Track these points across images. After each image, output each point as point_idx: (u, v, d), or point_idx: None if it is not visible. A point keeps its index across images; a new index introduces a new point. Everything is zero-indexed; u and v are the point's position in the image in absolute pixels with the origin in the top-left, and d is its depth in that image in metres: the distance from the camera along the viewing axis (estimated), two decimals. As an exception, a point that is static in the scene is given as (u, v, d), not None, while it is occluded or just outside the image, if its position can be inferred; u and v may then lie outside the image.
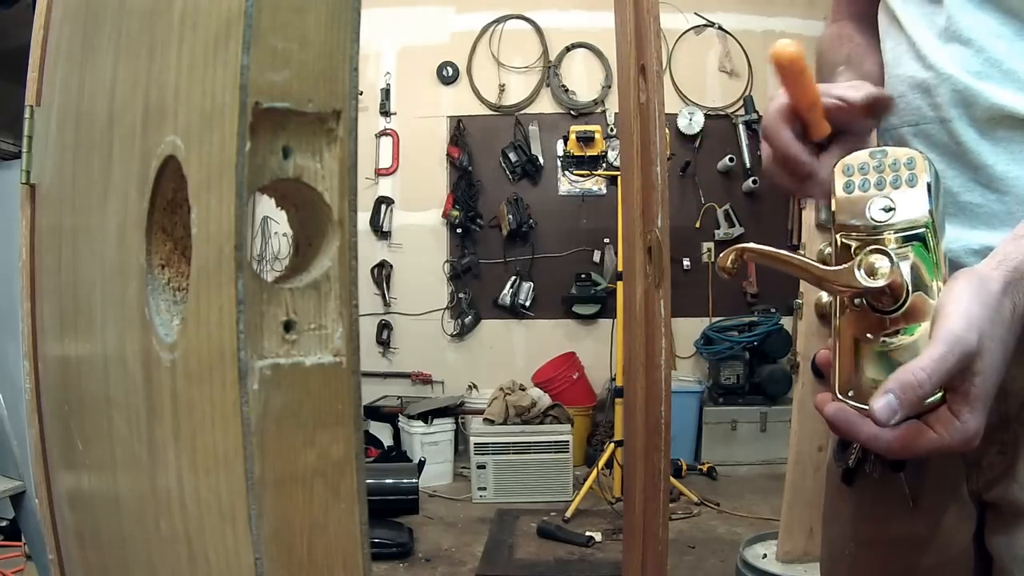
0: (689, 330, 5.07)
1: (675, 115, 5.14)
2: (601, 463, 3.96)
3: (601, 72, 5.29)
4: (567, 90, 5.28)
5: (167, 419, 0.52)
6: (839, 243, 0.69)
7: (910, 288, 0.64)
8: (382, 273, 5.25)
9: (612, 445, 3.90)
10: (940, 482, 0.79)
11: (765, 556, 2.68)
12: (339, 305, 0.47)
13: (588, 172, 4.86)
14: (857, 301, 0.66)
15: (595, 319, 5.23)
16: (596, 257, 5.27)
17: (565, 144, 5.13)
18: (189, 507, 0.50)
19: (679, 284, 4.85)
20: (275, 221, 4.81)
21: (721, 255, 0.70)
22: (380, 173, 5.28)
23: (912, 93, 0.79)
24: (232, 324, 0.43)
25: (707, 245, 5.20)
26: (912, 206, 0.67)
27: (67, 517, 0.82)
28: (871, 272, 0.63)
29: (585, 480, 3.97)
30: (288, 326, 0.45)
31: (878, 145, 0.83)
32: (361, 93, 4.52)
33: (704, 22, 5.25)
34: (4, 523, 3.22)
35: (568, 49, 5.29)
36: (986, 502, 0.77)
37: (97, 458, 0.68)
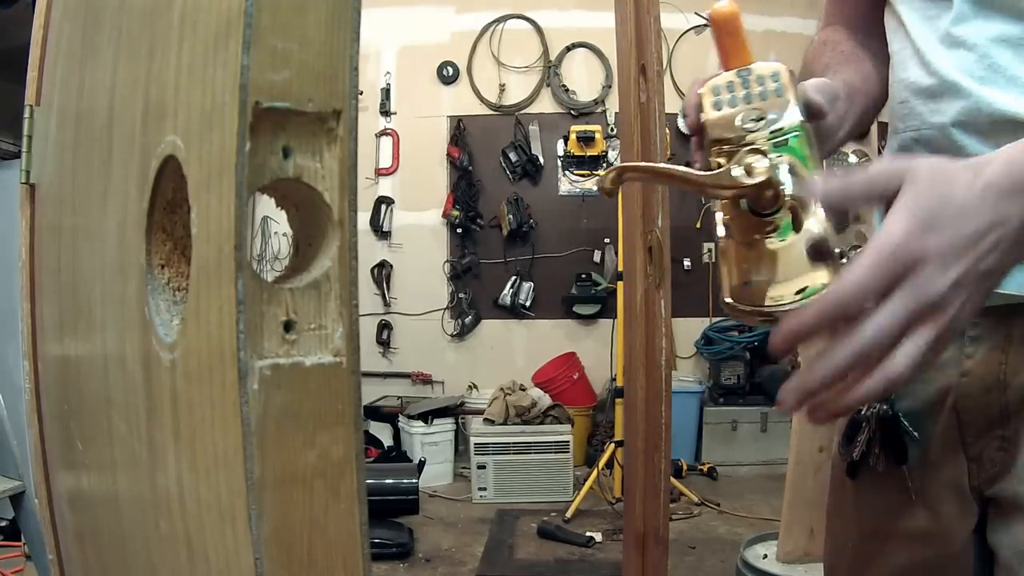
0: (689, 330, 5.07)
1: (675, 115, 5.13)
2: (601, 463, 3.96)
3: (601, 72, 5.28)
4: (567, 90, 5.28)
5: (167, 419, 0.52)
6: (714, 162, 0.68)
7: (786, 186, 0.62)
8: (382, 273, 5.25)
9: (612, 445, 3.90)
10: (942, 477, 0.80)
11: (765, 556, 2.68)
12: (339, 305, 0.47)
13: (588, 172, 4.86)
14: (739, 207, 0.64)
15: (595, 319, 5.23)
16: (596, 257, 5.26)
17: (565, 144, 5.14)
18: (189, 507, 0.50)
19: (680, 284, 4.84)
20: (275, 221, 4.81)
21: (603, 174, 0.68)
22: (380, 173, 5.27)
23: (915, 99, 0.79)
24: (232, 324, 0.43)
25: (708, 245, 5.19)
26: (782, 114, 0.67)
27: (67, 517, 0.81)
28: (748, 172, 0.62)
29: (585, 480, 3.97)
30: (288, 326, 0.45)
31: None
32: (361, 93, 4.51)
33: (704, 22, 5.24)
34: (4, 523, 3.22)
35: (568, 49, 5.29)
36: (987, 497, 0.78)
37: (97, 458, 0.68)
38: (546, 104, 5.31)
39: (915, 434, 0.80)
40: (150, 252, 0.54)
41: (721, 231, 0.67)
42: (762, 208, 0.64)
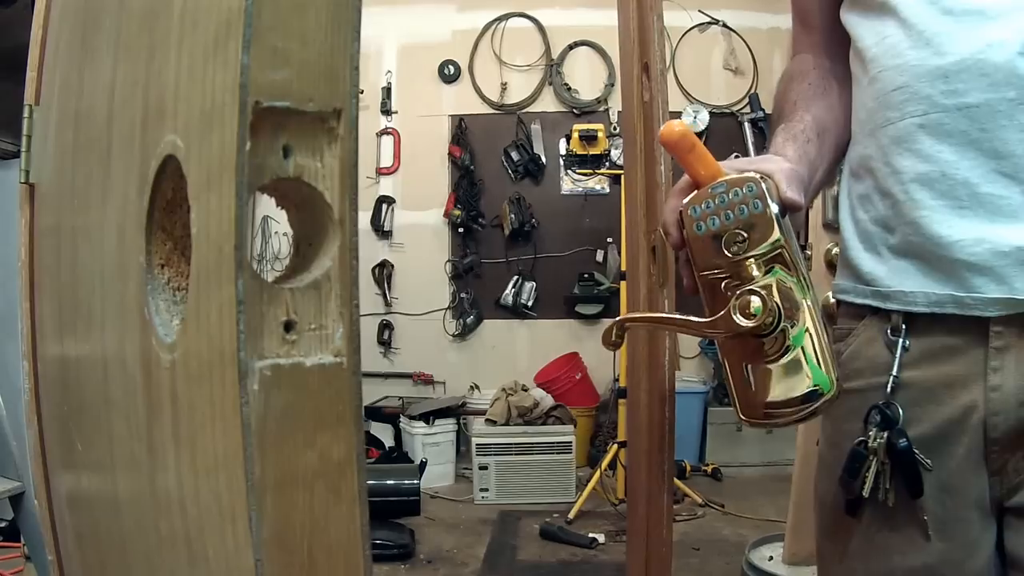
0: (692, 330, 5.05)
1: (679, 113, 5.12)
2: (604, 464, 3.95)
3: (604, 70, 5.28)
4: (570, 88, 5.27)
5: (167, 420, 0.52)
6: (707, 283, 0.73)
7: (782, 312, 0.68)
8: (383, 273, 5.25)
9: (615, 446, 3.89)
10: (964, 499, 0.75)
11: (771, 558, 2.66)
12: (340, 305, 0.46)
13: (591, 171, 4.85)
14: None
15: (598, 319, 5.22)
16: (599, 257, 5.25)
17: (568, 143, 5.14)
18: (189, 508, 0.50)
19: (682, 285, 4.82)
20: (275, 221, 4.80)
21: (604, 331, 0.77)
22: (381, 172, 5.27)
23: (919, 82, 0.75)
24: (232, 324, 0.43)
25: (710, 245, 5.18)
26: (763, 230, 0.70)
27: (67, 518, 0.81)
28: (746, 312, 0.68)
29: (588, 481, 3.96)
30: (288, 326, 0.45)
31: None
32: (362, 92, 4.51)
33: (708, 19, 5.23)
34: (3, 524, 3.22)
35: (571, 47, 5.28)
36: (1007, 508, 0.74)
37: (97, 459, 0.68)
38: (548, 103, 5.31)
39: (928, 462, 0.75)
40: (150, 252, 0.54)
41: (722, 352, 0.74)
42: (760, 333, 0.69)
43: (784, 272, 0.69)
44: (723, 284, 0.71)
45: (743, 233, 0.70)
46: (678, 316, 0.74)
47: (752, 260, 0.70)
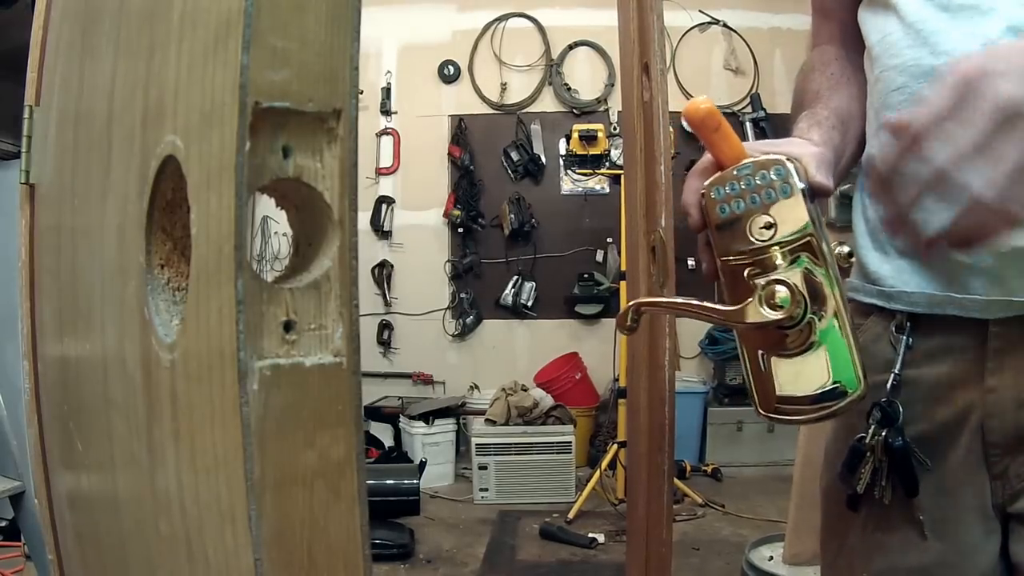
0: (694, 330, 5.04)
1: (679, 113, 5.08)
2: (604, 464, 3.95)
3: (604, 70, 5.28)
4: (569, 88, 5.27)
5: (166, 419, 0.52)
6: (728, 269, 0.68)
7: (809, 304, 0.64)
8: (383, 273, 5.25)
9: (615, 446, 3.89)
10: (963, 502, 0.74)
11: (771, 558, 2.65)
12: (339, 305, 0.46)
13: (591, 171, 4.85)
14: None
15: (598, 319, 5.22)
16: (599, 257, 5.25)
17: (567, 143, 5.13)
18: (189, 508, 0.50)
19: (684, 284, 4.75)
20: (275, 221, 4.80)
21: (619, 315, 0.72)
22: (381, 172, 5.27)
23: (916, 83, 0.74)
24: (232, 324, 0.43)
25: (710, 245, 5.17)
26: (791, 216, 0.66)
27: (67, 517, 0.81)
28: (771, 303, 0.64)
29: (588, 481, 3.96)
30: (288, 326, 0.45)
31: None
32: (361, 92, 4.51)
33: (709, 19, 5.23)
34: (4, 523, 3.22)
35: (571, 47, 5.28)
36: (1010, 514, 0.73)
37: (97, 458, 0.68)
38: (548, 103, 5.30)
39: (927, 462, 0.74)
40: (150, 252, 0.54)
41: (741, 341, 0.70)
42: (785, 325, 0.65)
43: (811, 262, 0.65)
44: (746, 271, 0.67)
45: (770, 218, 0.66)
46: (698, 302, 0.69)
47: (778, 248, 0.66)
